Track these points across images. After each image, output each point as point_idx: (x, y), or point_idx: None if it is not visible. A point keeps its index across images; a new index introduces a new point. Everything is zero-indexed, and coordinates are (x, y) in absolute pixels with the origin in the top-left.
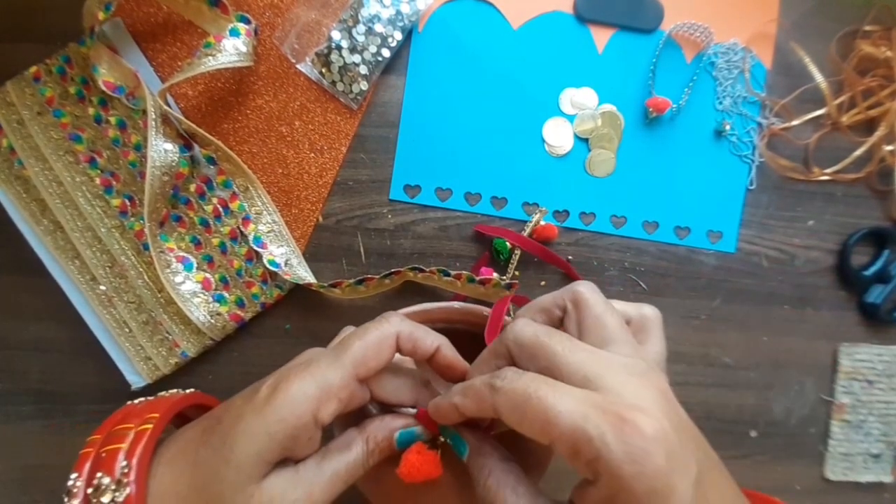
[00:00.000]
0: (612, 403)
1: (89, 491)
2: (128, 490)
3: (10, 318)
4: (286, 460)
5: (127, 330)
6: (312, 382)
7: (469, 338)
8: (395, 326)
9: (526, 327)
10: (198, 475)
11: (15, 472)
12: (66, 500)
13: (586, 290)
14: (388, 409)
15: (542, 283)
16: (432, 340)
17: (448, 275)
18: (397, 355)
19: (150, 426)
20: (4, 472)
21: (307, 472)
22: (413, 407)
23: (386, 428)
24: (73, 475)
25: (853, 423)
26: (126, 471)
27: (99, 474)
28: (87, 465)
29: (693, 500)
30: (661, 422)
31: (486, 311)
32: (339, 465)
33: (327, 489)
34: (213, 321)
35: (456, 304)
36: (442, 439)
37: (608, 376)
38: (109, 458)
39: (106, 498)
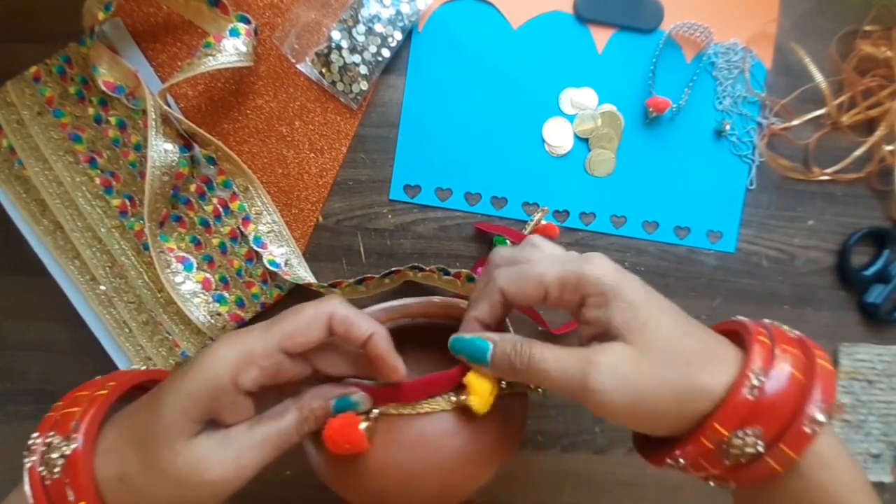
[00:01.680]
0: (575, 257)
1: (43, 449)
2: (74, 445)
3: (10, 318)
4: (217, 424)
5: (127, 330)
6: (234, 349)
7: (449, 332)
8: (330, 308)
9: (505, 248)
10: (136, 432)
11: (15, 472)
12: (25, 456)
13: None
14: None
15: None
16: (367, 327)
17: (448, 273)
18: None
19: (105, 392)
20: (4, 471)
21: (237, 435)
22: (357, 377)
23: (321, 395)
24: (34, 435)
25: (853, 423)
26: (76, 429)
27: (52, 433)
28: (48, 428)
29: (644, 288)
30: (607, 258)
31: (464, 303)
32: (270, 431)
33: (256, 453)
34: (213, 321)
35: (435, 299)
36: (377, 411)
37: (571, 255)
38: (64, 420)
39: (55, 454)
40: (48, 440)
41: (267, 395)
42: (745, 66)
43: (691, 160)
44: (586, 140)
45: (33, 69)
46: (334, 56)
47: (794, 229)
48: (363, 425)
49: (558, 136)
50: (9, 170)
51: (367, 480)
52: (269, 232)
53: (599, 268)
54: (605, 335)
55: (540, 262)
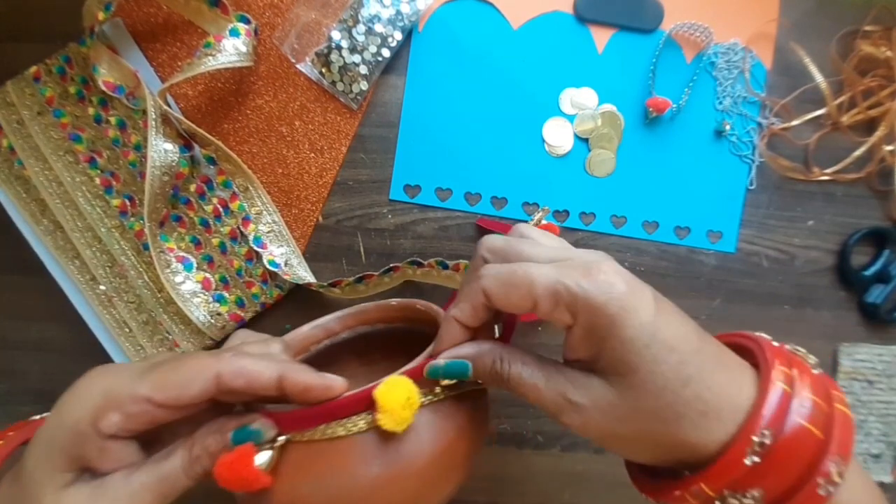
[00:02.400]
0: (577, 263)
1: None
2: None
3: (10, 318)
4: (90, 471)
5: (127, 330)
6: (95, 389)
7: (409, 335)
8: (218, 366)
9: (496, 238)
10: (14, 488)
11: None
12: None
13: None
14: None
15: None
16: (272, 371)
17: (446, 267)
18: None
19: (1, 443)
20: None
21: (112, 484)
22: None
23: (216, 429)
24: None
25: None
26: None
27: None
28: None
29: (654, 310)
30: (616, 266)
31: (421, 303)
32: (150, 478)
33: (134, 503)
34: (213, 321)
35: (392, 301)
36: (283, 439)
37: (571, 255)
38: None
39: None
40: None
41: (162, 436)
42: (745, 66)
43: (691, 160)
44: (586, 140)
45: (33, 69)
46: (334, 56)
47: (794, 229)
48: (262, 458)
49: (558, 136)
50: (9, 170)
51: None
52: (269, 232)
53: (604, 286)
54: (588, 362)
55: (533, 264)
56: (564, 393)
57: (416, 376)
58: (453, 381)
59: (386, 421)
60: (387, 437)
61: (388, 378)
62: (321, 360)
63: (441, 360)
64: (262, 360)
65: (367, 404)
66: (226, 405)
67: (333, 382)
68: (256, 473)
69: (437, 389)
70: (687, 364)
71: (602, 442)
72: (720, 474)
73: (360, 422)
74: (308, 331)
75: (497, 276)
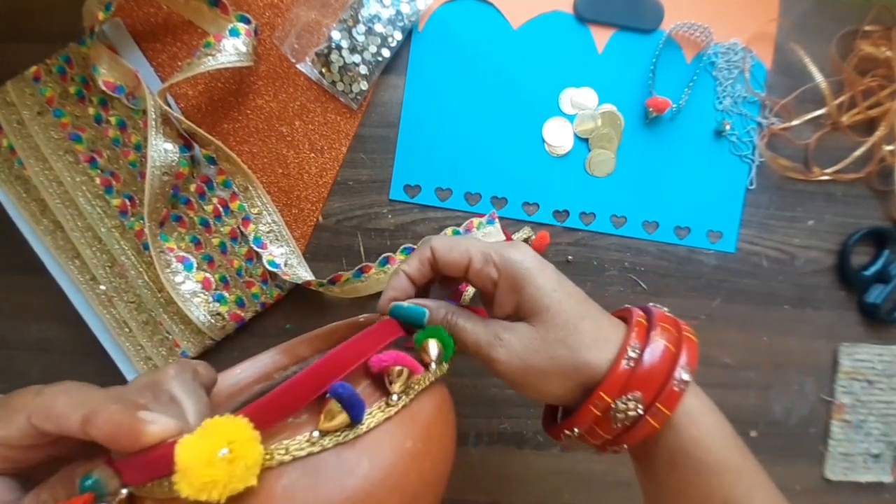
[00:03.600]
0: (503, 242)
1: None
2: None
3: (10, 318)
4: None
5: (127, 330)
6: None
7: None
8: (30, 405)
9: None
10: None
11: None
12: None
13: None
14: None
15: None
16: (77, 416)
17: None
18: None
19: None
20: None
21: None
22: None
23: (66, 476)
24: None
25: (853, 423)
26: None
27: None
28: None
29: (556, 275)
30: (529, 248)
31: (364, 316)
32: None
33: None
34: (213, 321)
35: (361, 318)
36: (124, 493)
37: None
38: None
39: None
40: None
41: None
42: (745, 66)
43: (691, 160)
44: (586, 140)
45: (33, 69)
46: (334, 56)
47: (794, 229)
48: None
49: (558, 136)
50: (9, 170)
51: None
52: (268, 232)
53: (520, 254)
54: (514, 315)
55: (471, 240)
56: (497, 332)
57: (263, 418)
58: (341, 427)
59: (182, 485)
60: (233, 500)
61: (207, 421)
62: None
63: (405, 303)
64: (78, 399)
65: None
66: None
67: (143, 429)
68: None
69: (316, 435)
70: (582, 305)
71: (522, 377)
72: (611, 382)
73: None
74: (269, 355)
75: (443, 240)
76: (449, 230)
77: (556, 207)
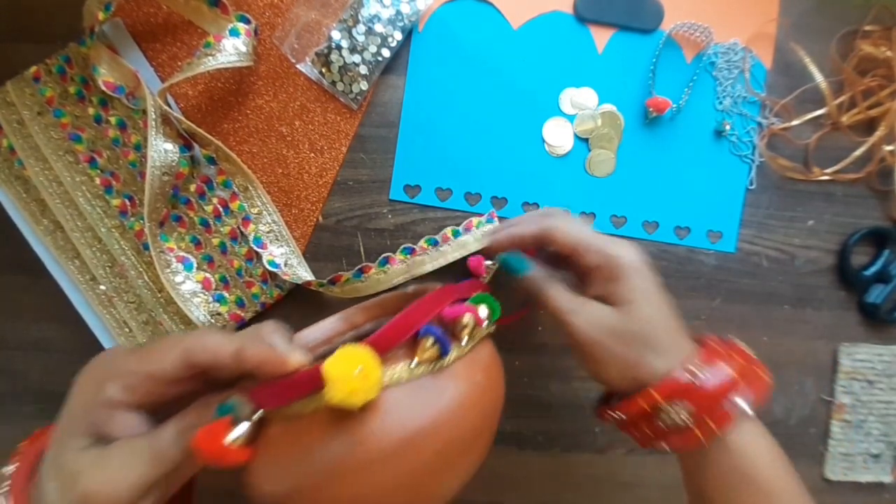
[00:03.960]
0: (615, 240)
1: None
2: (14, 465)
3: (10, 318)
4: (105, 439)
5: (127, 330)
6: (101, 364)
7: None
8: (186, 342)
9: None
10: (48, 448)
11: None
12: None
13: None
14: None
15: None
16: (231, 346)
17: (436, 242)
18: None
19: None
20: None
21: (114, 449)
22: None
23: (203, 403)
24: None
25: (853, 423)
26: (17, 454)
27: (7, 466)
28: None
29: (654, 282)
30: (637, 249)
31: (432, 286)
32: (142, 445)
33: (126, 468)
34: (213, 321)
35: (409, 289)
36: (257, 415)
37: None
38: (15, 452)
39: (5, 476)
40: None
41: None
42: (745, 66)
43: (691, 160)
44: (586, 140)
45: (33, 69)
46: (334, 56)
47: (794, 229)
48: (236, 433)
49: (558, 136)
50: (9, 170)
51: (266, 499)
52: (268, 232)
53: (626, 251)
54: (602, 299)
55: (584, 226)
56: (583, 303)
57: (380, 347)
58: (432, 358)
59: (332, 393)
60: (351, 414)
61: (340, 348)
62: None
63: (516, 255)
64: (225, 336)
65: (317, 384)
66: (225, 384)
67: (287, 357)
68: (223, 447)
69: (414, 364)
70: (667, 315)
71: (590, 348)
72: (665, 385)
73: (320, 400)
74: (332, 323)
75: (568, 221)
76: (448, 230)
77: (556, 207)
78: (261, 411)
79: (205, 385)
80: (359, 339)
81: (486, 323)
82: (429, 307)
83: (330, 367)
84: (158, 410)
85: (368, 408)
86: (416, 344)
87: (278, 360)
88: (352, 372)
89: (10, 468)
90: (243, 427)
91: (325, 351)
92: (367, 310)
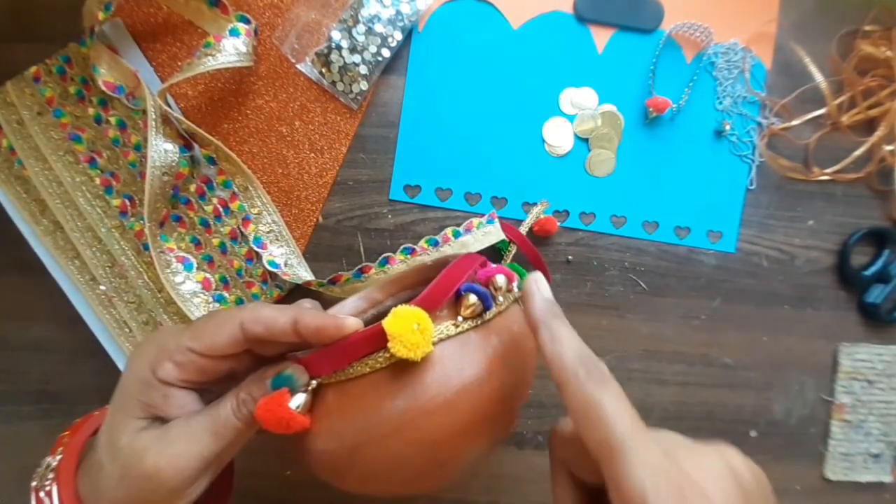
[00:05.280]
0: (678, 472)
1: (40, 469)
2: (59, 457)
3: (10, 318)
4: (160, 419)
5: (127, 330)
6: (150, 344)
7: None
8: (241, 315)
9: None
10: (103, 432)
11: (15, 472)
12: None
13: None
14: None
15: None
16: (287, 315)
17: (436, 243)
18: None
19: (97, 413)
20: (4, 472)
21: (174, 427)
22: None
23: (258, 376)
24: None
25: (853, 423)
26: (63, 445)
27: (48, 458)
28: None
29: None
30: None
31: (452, 256)
32: (206, 420)
33: (192, 443)
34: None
35: (428, 261)
36: (314, 382)
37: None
38: (58, 444)
39: (47, 469)
40: (44, 463)
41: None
42: (745, 66)
43: (691, 160)
44: (586, 140)
45: (33, 69)
46: (334, 56)
47: (794, 229)
48: (297, 401)
49: (558, 136)
50: (9, 170)
51: (328, 459)
52: (268, 232)
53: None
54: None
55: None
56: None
57: (428, 306)
58: (476, 313)
59: (398, 348)
60: (408, 369)
61: (395, 309)
62: None
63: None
64: (280, 308)
65: (384, 338)
66: (272, 359)
67: (344, 321)
68: (291, 414)
69: (460, 319)
70: None
71: None
72: None
73: (380, 357)
74: (353, 302)
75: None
76: (449, 230)
77: (556, 207)
78: (316, 380)
79: (251, 363)
80: (380, 315)
81: (515, 287)
82: (464, 269)
83: (390, 325)
84: (206, 390)
85: (425, 361)
86: (457, 303)
87: (336, 324)
88: (411, 327)
89: (54, 459)
90: (302, 396)
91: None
92: (387, 287)
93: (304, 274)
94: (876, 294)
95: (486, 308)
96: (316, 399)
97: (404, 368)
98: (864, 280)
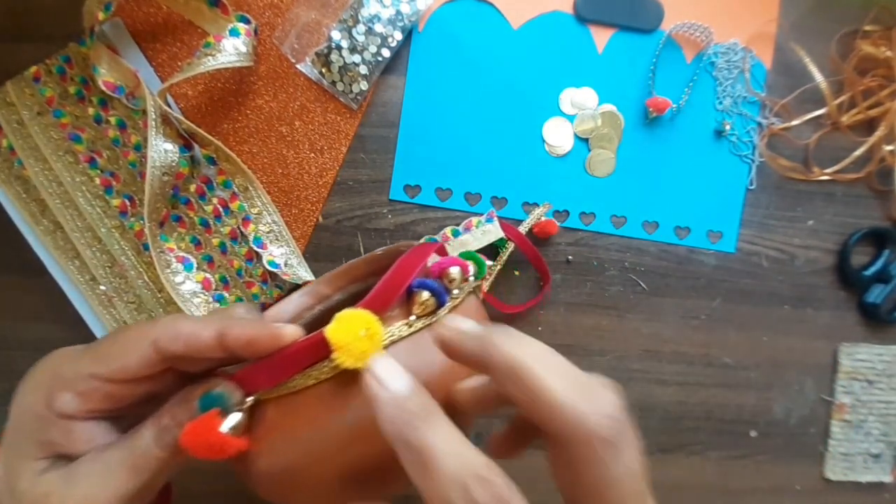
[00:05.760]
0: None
1: None
2: None
3: (10, 318)
4: (65, 457)
5: None
6: (44, 373)
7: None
8: (155, 331)
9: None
10: (0, 478)
11: None
12: None
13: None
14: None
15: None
16: (211, 331)
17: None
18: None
19: None
20: None
21: (83, 464)
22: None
23: (182, 398)
24: None
25: (853, 423)
26: None
27: None
28: None
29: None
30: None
31: (404, 244)
32: (121, 454)
33: (107, 482)
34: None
35: (378, 251)
36: (251, 400)
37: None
38: None
39: None
40: None
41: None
42: (745, 66)
43: (691, 160)
44: (586, 140)
45: (33, 69)
46: (334, 56)
47: (794, 229)
48: (230, 422)
49: (558, 136)
50: (9, 170)
51: (273, 481)
52: (268, 232)
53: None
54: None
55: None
56: None
57: (377, 307)
58: (429, 310)
59: (343, 358)
60: (357, 379)
61: (339, 314)
62: (317, 327)
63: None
64: (200, 320)
65: (327, 347)
66: (197, 375)
67: (281, 331)
68: (223, 439)
69: (412, 319)
70: None
71: None
72: None
73: (325, 367)
74: (298, 298)
75: (514, 341)
76: (448, 230)
77: (556, 207)
78: (252, 397)
79: (174, 381)
80: (329, 310)
81: (472, 277)
82: (414, 263)
83: (333, 333)
84: (120, 416)
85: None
86: (409, 300)
87: (271, 335)
88: (357, 334)
89: None
90: (237, 416)
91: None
92: (334, 280)
93: (304, 274)
94: (876, 294)
95: (441, 304)
96: (254, 416)
97: (353, 378)
98: (864, 280)
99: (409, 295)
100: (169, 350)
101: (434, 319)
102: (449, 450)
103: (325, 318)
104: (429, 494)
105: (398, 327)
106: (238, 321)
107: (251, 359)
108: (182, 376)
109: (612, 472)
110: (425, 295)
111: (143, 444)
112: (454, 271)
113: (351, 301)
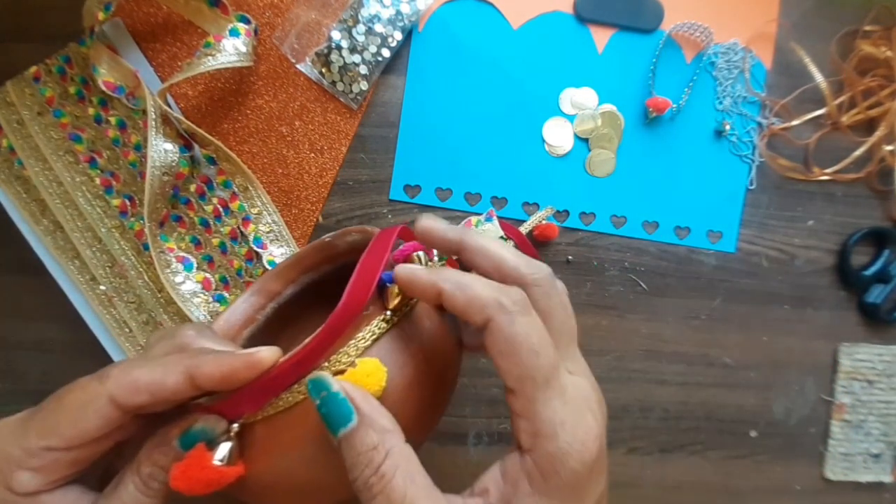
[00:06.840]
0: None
1: None
2: None
3: (10, 318)
4: None
5: (127, 330)
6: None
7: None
8: (107, 389)
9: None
10: None
11: None
12: None
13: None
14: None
15: None
16: (176, 376)
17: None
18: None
19: None
20: None
21: None
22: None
23: (158, 441)
24: None
25: (853, 423)
26: None
27: None
28: None
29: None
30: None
31: (356, 229)
32: None
33: None
34: (213, 321)
35: (326, 238)
36: (236, 426)
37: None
38: None
39: None
40: None
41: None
42: (745, 66)
43: (691, 160)
44: (586, 140)
45: (33, 69)
46: (334, 56)
47: (794, 229)
48: (221, 452)
49: (558, 136)
50: (9, 170)
51: (278, 495)
52: (268, 232)
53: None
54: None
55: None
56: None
57: (353, 311)
58: (404, 302)
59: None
60: None
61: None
62: (274, 326)
63: (332, 387)
64: (160, 364)
65: (311, 362)
66: (163, 415)
67: (258, 357)
68: (219, 471)
69: (388, 314)
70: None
71: None
72: None
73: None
74: (245, 300)
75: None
76: None
77: (556, 207)
78: (237, 423)
79: (142, 427)
80: (282, 307)
81: (436, 258)
82: (379, 256)
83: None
84: (89, 472)
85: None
86: (382, 294)
87: (248, 364)
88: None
89: None
90: (227, 445)
91: (253, 330)
92: (283, 273)
93: None
94: (876, 294)
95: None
96: (243, 439)
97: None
98: (864, 280)
99: (381, 290)
100: (131, 404)
101: (408, 308)
102: (501, 249)
103: (280, 315)
104: (502, 266)
105: (377, 324)
106: (204, 358)
107: (230, 391)
108: (151, 419)
109: (547, 303)
110: (394, 290)
111: (128, 498)
112: (418, 257)
113: (306, 292)
